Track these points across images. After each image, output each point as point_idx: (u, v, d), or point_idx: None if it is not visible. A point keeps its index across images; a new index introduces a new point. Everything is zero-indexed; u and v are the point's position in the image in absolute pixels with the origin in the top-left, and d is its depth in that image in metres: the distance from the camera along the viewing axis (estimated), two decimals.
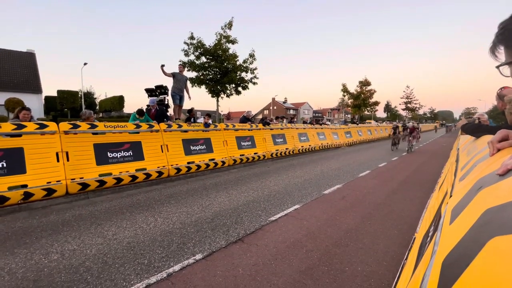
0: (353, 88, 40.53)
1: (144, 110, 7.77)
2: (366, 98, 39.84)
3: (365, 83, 40.04)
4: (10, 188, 4.44)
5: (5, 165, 4.51)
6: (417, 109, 60.51)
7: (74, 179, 5.17)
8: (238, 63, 17.35)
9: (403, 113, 64.01)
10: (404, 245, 3.12)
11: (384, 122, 36.59)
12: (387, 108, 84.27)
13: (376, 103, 41.06)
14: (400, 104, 61.14)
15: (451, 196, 0.94)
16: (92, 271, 2.61)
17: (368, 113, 45.84)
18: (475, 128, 2.39)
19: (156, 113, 8.24)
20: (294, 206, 4.58)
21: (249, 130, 9.95)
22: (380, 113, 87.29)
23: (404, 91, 60.24)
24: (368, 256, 2.91)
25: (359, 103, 39.79)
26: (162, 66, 8.47)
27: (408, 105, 59.34)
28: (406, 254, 1.28)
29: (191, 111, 10.15)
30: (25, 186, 4.58)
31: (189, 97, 9.42)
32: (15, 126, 4.78)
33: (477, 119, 3.04)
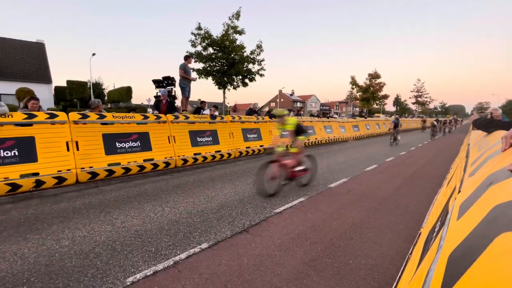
0: (362, 80, 39.80)
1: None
2: (375, 91, 39.05)
3: (374, 76, 39.20)
4: (22, 176, 4.57)
5: (17, 153, 4.63)
6: (427, 103, 59.15)
7: (83, 168, 5.28)
8: (245, 54, 17.13)
9: (413, 107, 62.64)
10: (409, 240, 3.11)
11: (393, 116, 35.88)
12: (397, 101, 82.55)
13: (386, 97, 40.25)
14: (410, 97, 59.81)
15: (459, 191, 0.93)
16: (101, 257, 2.69)
17: (377, 106, 45.03)
18: (487, 123, 2.33)
19: (167, 104, 8.19)
20: (299, 199, 4.60)
21: (255, 122, 9.92)
22: (389, 106, 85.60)
23: (414, 85, 58.75)
24: (373, 250, 2.92)
25: (368, 96, 39.06)
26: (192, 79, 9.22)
27: (419, 99, 58.02)
28: (411, 248, 1.27)
29: (202, 103, 10.21)
30: (36, 174, 4.71)
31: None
32: (26, 116, 4.88)
33: (490, 114, 2.96)
